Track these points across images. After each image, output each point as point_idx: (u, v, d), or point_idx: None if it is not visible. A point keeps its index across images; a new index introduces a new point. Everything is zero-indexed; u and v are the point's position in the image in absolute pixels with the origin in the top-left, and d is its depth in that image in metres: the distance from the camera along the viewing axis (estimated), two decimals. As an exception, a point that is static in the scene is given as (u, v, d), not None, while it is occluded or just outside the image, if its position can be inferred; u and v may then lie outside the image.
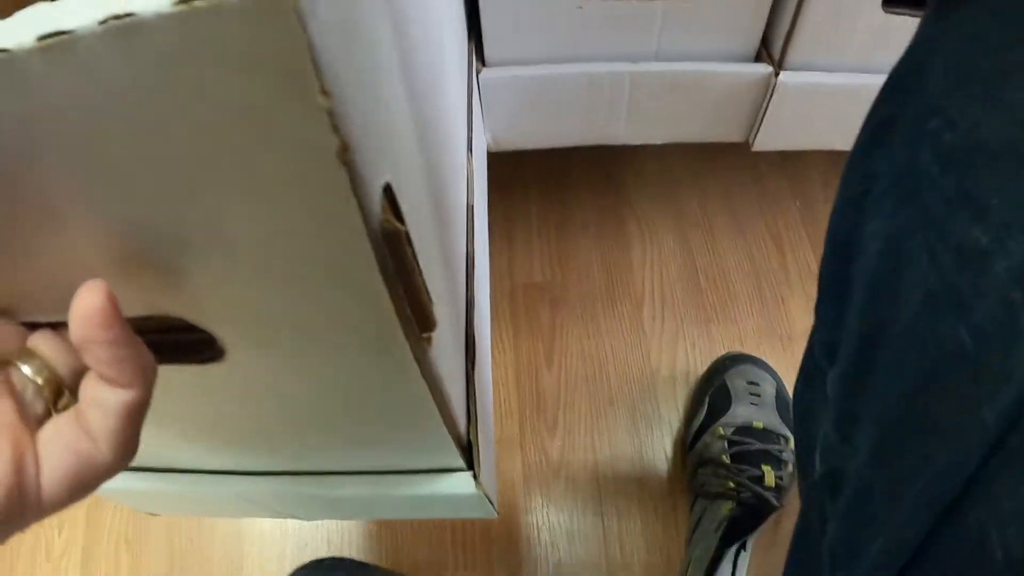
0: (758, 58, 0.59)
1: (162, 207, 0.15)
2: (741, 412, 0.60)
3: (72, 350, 0.20)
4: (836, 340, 0.26)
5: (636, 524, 0.61)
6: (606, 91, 0.59)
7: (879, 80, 0.61)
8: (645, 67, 0.58)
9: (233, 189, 0.15)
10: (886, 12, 0.54)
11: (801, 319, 0.68)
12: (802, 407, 0.31)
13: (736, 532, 0.55)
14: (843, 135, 0.63)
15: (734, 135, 0.63)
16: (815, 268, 0.71)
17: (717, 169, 0.76)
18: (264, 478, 0.36)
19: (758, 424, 0.60)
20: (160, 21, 0.11)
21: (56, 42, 0.11)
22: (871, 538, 0.22)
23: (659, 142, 0.64)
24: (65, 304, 0.16)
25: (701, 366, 0.66)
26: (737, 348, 0.66)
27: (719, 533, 0.56)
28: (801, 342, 0.65)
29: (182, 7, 0.11)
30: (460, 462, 0.34)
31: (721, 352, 0.66)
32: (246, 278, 0.18)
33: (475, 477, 0.34)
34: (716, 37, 0.57)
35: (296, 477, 0.36)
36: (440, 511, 0.40)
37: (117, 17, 0.11)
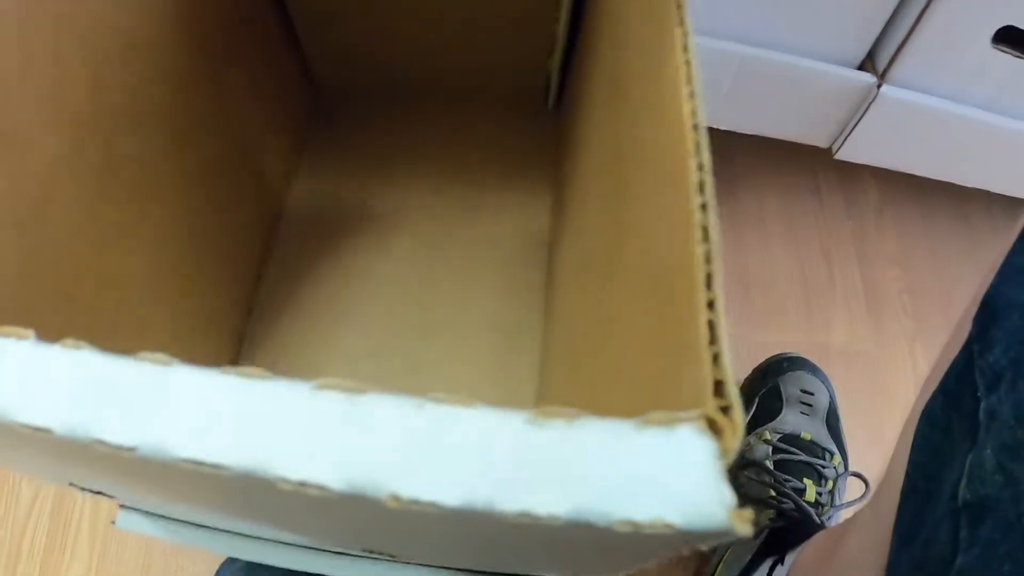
0: (861, 68, 0.64)
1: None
2: (791, 420, 0.63)
3: None
4: (1003, 368, 0.28)
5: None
6: (713, 68, 0.63)
7: (972, 112, 0.66)
8: (757, 52, 0.62)
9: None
10: (994, 48, 0.59)
11: (842, 334, 0.73)
12: (936, 427, 0.32)
13: (775, 544, 0.57)
14: (926, 161, 0.69)
15: (820, 140, 0.68)
16: (861, 288, 0.76)
17: (777, 174, 0.81)
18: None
19: (806, 435, 0.63)
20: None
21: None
22: (1020, 570, 0.23)
23: (747, 132, 0.68)
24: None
25: (741, 362, 0.70)
26: (779, 352, 0.70)
27: (759, 541, 0.58)
28: (841, 358, 0.71)
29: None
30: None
31: (762, 354, 0.69)
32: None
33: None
34: (828, 37, 0.62)
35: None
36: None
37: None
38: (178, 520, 0.39)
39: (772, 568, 0.56)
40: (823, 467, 0.61)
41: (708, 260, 0.15)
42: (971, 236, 0.81)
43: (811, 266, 0.77)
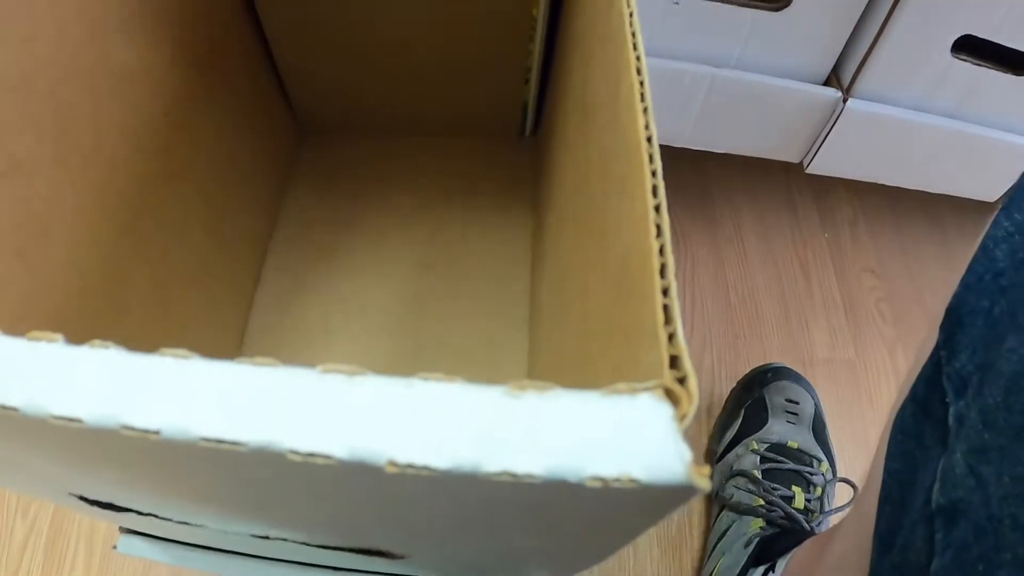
0: (827, 83, 0.67)
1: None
2: (777, 429, 0.64)
3: None
4: (969, 373, 0.29)
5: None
6: (684, 90, 0.66)
7: (936, 121, 0.69)
8: (726, 73, 0.65)
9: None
10: (953, 57, 0.62)
11: (823, 344, 0.76)
12: (908, 435, 0.33)
13: (766, 553, 0.58)
14: (895, 171, 0.72)
15: (791, 155, 0.71)
16: (839, 299, 0.79)
17: (752, 191, 0.84)
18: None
19: (793, 444, 0.64)
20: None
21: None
22: (992, 571, 0.24)
23: (720, 151, 0.70)
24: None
25: (724, 376, 0.72)
26: (762, 364, 0.72)
27: (749, 550, 0.59)
28: (822, 367, 0.73)
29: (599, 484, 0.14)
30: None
31: (745, 367, 0.72)
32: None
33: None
34: (794, 55, 0.65)
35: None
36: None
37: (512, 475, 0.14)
38: (178, 542, 0.41)
39: (764, 576, 0.57)
40: (811, 474, 0.62)
41: (662, 253, 0.17)
42: (944, 242, 0.84)
43: (789, 279, 0.79)
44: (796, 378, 0.67)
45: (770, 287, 0.78)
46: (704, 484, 0.14)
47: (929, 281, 0.81)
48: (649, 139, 0.19)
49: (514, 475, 0.13)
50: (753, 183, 0.84)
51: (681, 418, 0.15)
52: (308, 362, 0.46)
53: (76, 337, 0.29)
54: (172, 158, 0.44)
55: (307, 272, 0.62)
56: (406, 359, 0.57)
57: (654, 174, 0.18)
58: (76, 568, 0.64)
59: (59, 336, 0.16)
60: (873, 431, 0.72)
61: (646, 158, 0.18)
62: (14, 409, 0.15)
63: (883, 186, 0.73)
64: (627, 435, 0.14)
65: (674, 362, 0.15)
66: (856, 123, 0.66)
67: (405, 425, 0.14)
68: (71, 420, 0.15)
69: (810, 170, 0.70)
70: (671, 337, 0.16)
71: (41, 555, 0.64)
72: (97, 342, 0.15)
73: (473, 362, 0.57)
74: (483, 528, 0.19)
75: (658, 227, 0.17)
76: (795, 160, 0.71)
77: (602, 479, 0.14)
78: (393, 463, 0.13)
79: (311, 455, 0.13)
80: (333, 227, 0.65)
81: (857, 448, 0.70)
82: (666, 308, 0.16)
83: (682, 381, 0.15)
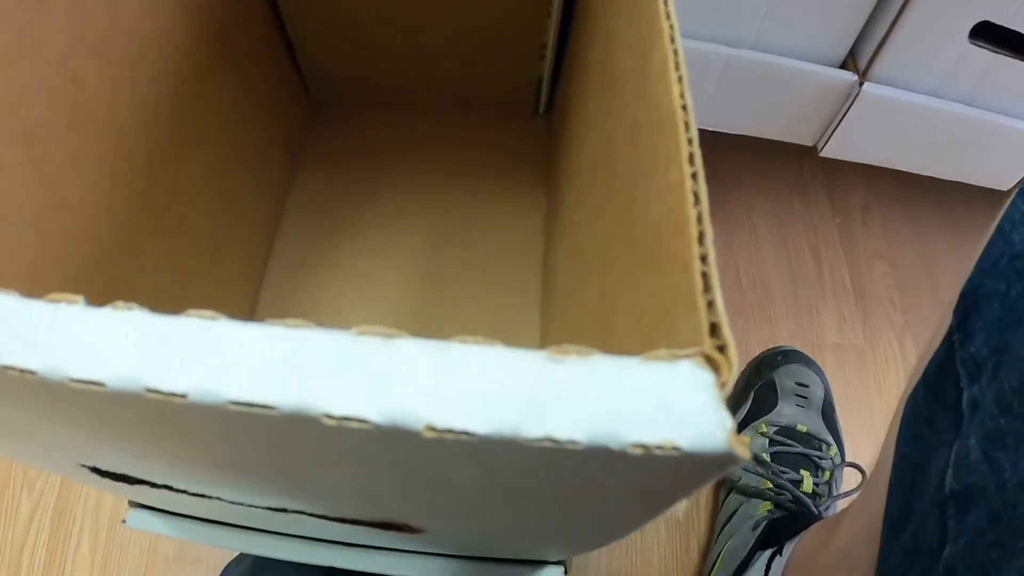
0: (843, 66, 0.66)
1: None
2: (787, 412, 0.64)
3: None
4: (984, 357, 0.28)
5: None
6: (697, 71, 0.65)
7: (951, 107, 0.68)
8: (741, 53, 0.64)
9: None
10: (970, 44, 0.61)
11: (833, 330, 0.75)
12: (920, 419, 0.33)
13: (774, 535, 0.58)
14: (909, 156, 0.71)
15: (805, 138, 0.70)
16: (850, 284, 0.78)
17: (764, 174, 0.83)
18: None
19: (802, 427, 0.64)
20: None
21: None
22: (1007, 558, 0.24)
23: (733, 132, 0.70)
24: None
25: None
26: (772, 347, 0.72)
27: (756, 533, 0.59)
28: (831, 352, 0.73)
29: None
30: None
31: (754, 350, 0.71)
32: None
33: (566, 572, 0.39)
34: (811, 37, 0.64)
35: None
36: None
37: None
38: (188, 517, 0.41)
39: (771, 559, 0.57)
40: (820, 458, 0.62)
41: (700, 220, 0.16)
42: (955, 230, 0.84)
43: (800, 264, 0.79)
44: (807, 361, 0.67)
45: (780, 271, 0.78)
46: (744, 453, 0.14)
47: (940, 268, 0.81)
48: (684, 107, 0.18)
49: (555, 441, 0.13)
50: (765, 166, 0.84)
51: (721, 386, 0.14)
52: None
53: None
54: (187, 128, 0.43)
55: (319, 248, 0.61)
56: (418, 333, 0.57)
57: (690, 142, 0.18)
58: (82, 543, 0.64)
59: (79, 297, 0.15)
60: (881, 417, 0.72)
61: (682, 126, 0.18)
62: (32, 372, 0.15)
63: (895, 172, 0.72)
64: (668, 402, 0.14)
65: (713, 330, 0.15)
66: (872, 107, 0.66)
67: (443, 389, 0.13)
68: (92, 383, 0.14)
69: (824, 153, 0.70)
70: (710, 304, 0.15)
71: (47, 530, 0.64)
72: (120, 303, 0.15)
73: (484, 335, 0.57)
74: (511, 499, 0.19)
75: (695, 195, 0.17)
76: (809, 143, 0.70)
77: (644, 446, 0.13)
78: (431, 428, 0.13)
79: (346, 419, 0.13)
80: (345, 203, 0.64)
81: (864, 433, 0.70)
82: (705, 275, 0.15)
83: (721, 349, 0.15)
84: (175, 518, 0.41)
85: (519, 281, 0.59)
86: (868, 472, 0.62)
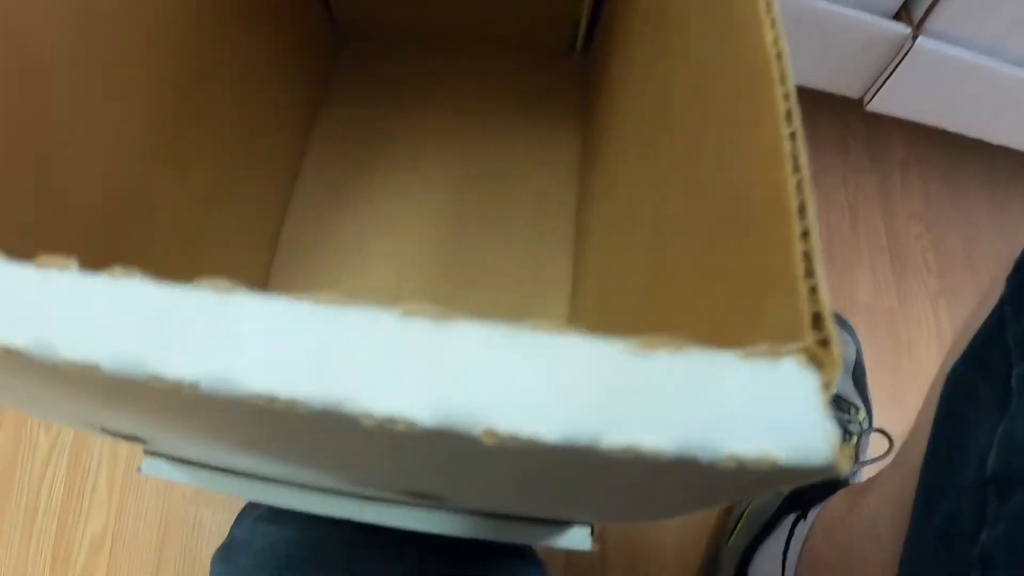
0: (896, 17, 0.62)
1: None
2: None
3: None
4: None
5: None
6: (742, 16, 0.61)
7: (1007, 69, 0.64)
8: (790, -1, 0.60)
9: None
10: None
11: (866, 290, 0.73)
12: (961, 394, 0.31)
13: (799, 500, 0.57)
14: (957, 116, 0.67)
15: (851, 90, 0.66)
16: (885, 244, 0.75)
17: (805, 125, 0.80)
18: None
19: None
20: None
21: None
22: None
23: (776, 82, 0.66)
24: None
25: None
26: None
27: (781, 497, 0.58)
28: (863, 312, 0.70)
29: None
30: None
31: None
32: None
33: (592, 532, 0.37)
34: (865, -16, 0.60)
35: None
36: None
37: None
38: (207, 466, 0.39)
39: (795, 523, 0.56)
40: (848, 422, 0.61)
41: (800, 189, 0.14)
42: (995, 196, 0.80)
43: (836, 219, 0.76)
44: (840, 322, 0.65)
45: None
46: (847, 467, 0.12)
47: (976, 236, 0.77)
48: (779, 55, 0.16)
49: (639, 452, 0.11)
50: (805, 117, 0.80)
51: (826, 387, 0.12)
52: (340, 281, 0.44)
53: (102, 254, 0.27)
54: (205, 61, 0.41)
55: (342, 188, 0.58)
56: (443, 280, 0.54)
57: (787, 97, 0.15)
58: (100, 481, 0.63)
59: (73, 262, 0.13)
60: (909, 383, 0.69)
61: (777, 78, 0.15)
62: (18, 351, 0.12)
63: (940, 131, 0.69)
64: (768, 407, 0.11)
65: (816, 321, 0.13)
66: (924, 63, 0.62)
67: (507, 384, 0.11)
68: (87, 366, 0.12)
69: (870, 108, 0.66)
70: (812, 291, 0.13)
71: (64, 468, 0.63)
72: (119, 270, 0.13)
73: (513, 284, 0.54)
74: (557, 487, 0.17)
75: (795, 159, 0.14)
76: (855, 96, 0.67)
77: (739, 459, 0.11)
78: (491, 432, 0.11)
79: (390, 419, 0.11)
80: (369, 142, 0.61)
81: (891, 399, 0.68)
82: (807, 256, 0.13)
83: (824, 344, 0.13)
84: (191, 467, 0.40)
85: (550, 229, 0.57)
86: (896, 439, 0.60)
